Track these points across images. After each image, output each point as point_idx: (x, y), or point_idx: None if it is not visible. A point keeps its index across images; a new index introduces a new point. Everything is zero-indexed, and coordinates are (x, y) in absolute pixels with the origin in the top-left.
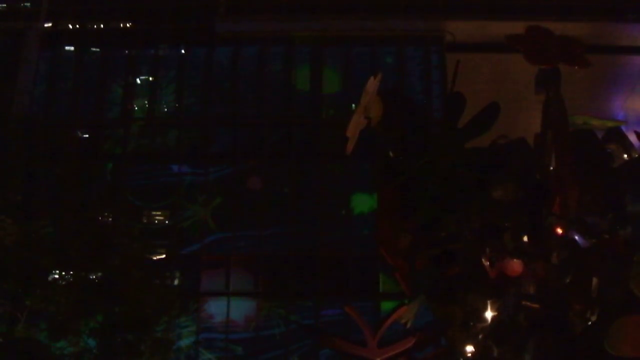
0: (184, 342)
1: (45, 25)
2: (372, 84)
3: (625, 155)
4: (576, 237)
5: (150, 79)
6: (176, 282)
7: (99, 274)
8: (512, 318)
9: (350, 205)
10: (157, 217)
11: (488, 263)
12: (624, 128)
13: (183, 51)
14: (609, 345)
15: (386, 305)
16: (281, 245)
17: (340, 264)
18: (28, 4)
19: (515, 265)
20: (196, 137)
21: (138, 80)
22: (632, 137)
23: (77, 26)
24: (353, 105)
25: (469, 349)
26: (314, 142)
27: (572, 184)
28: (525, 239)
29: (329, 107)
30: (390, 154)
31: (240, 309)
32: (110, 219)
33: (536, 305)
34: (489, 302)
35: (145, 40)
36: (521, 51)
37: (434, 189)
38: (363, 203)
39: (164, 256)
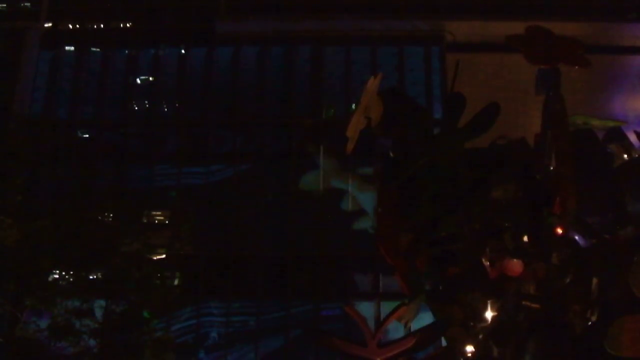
0: (184, 342)
1: (45, 25)
2: (372, 84)
3: (625, 155)
4: (576, 237)
5: (150, 79)
6: (176, 282)
7: (99, 274)
8: (512, 318)
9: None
10: (157, 217)
11: (488, 263)
12: (624, 128)
13: (183, 51)
14: (609, 345)
15: (386, 306)
16: (281, 245)
17: (340, 264)
18: (28, 4)
19: (515, 265)
20: (196, 137)
21: (138, 80)
22: (632, 137)
23: (77, 26)
24: (353, 105)
25: (469, 349)
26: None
27: (572, 184)
28: (525, 239)
29: (329, 107)
30: (391, 154)
31: (240, 309)
32: (110, 219)
33: (536, 305)
34: (489, 302)
35: (145, 40)
36: (521, 51)
37: (434, 189)
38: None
39: (164, 256)
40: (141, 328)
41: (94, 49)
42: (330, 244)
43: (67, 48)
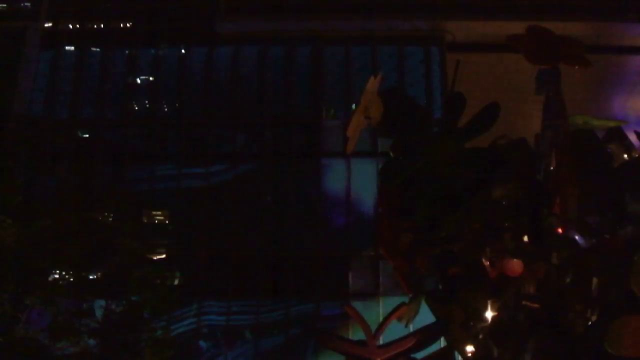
0: (184, 342)
1: (45, 25)
2: (372, 84)
3: (625, 155)
4: (576, 237)
5: (150, 79)
6: (176, 282)
7: (99, 274)
8: (512, 318)
9: (350, 205)
10: (157, 217)
11: (488, 263)
12: (624, 128)
13: (183, 51)
14: (609, 345)
15: (386, 305)
16: (281, 245)
17: (340, 264)
18: (28, 4)
19: (515, 265)
20: (196, 137)
21: (138, 80)
22: (632, 137)
23: (77, 26)
24: (353, 105)
25: (469, 349)
26: (314, 142)
27: (572, 184)
28: (525, 239)
29: (329, 107)
30: (391, 154)
31: (239, 309)
32: (110, 219)
33: (536, 305)
34: (489, 302)
35: (145, 40)
36: (521, 51)
37: (434, 189)
38: (363, 203)
39: (164, 256)
40: (141, 328)
41: (94, 49)
42: (330, 244)
43: (67, 48)
